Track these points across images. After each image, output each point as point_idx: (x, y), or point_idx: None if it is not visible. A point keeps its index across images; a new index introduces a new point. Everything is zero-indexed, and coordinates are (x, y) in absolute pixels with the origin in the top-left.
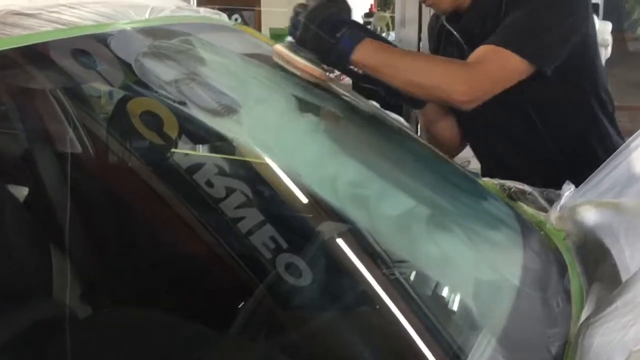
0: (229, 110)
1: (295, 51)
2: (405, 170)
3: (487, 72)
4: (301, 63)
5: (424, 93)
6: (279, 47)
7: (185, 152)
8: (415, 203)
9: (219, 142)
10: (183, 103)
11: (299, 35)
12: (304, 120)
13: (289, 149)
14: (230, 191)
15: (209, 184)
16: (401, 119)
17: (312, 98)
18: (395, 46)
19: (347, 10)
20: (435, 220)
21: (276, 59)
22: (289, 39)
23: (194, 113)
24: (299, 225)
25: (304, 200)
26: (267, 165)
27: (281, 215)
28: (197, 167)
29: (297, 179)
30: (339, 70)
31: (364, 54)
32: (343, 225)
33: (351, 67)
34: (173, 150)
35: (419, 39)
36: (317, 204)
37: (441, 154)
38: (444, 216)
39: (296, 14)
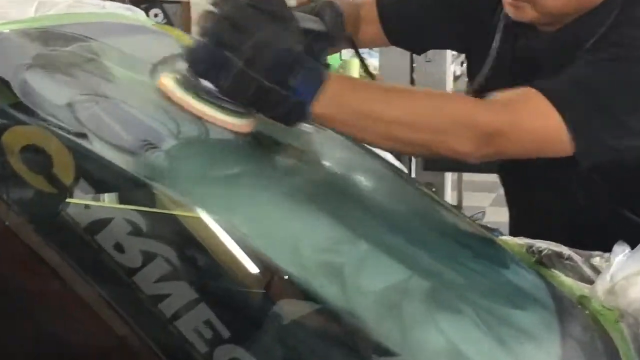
0: (147, 145)
1: (197, 93)
2: (395, 227)
3: (513, 129)
4: (211, 115)
5: (417, 149)
6: (167, 83)
7: (85, 202)
8: (410, 272)
9: (133, 190)
10: (82, 135)
11: (224, 81)
12: (254, 159)
13: (233, 198)
14: (148, 258)
15: (119, 248)
16: (389, 156)
17: (265, 127)
18: (372, 77)
19: (291, 19)
20: (437, 297)
21: (164, 95)
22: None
23: (97, 149)
24: (246, 305)
25: (254, 269)
26: (201, 221)
27: (221, 290)
28: (102, 224)
29: (243, 239)
30: (286, 124)
31: (328, 106)
32: (308, 305)
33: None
34: (67, 200)
35: (411, 63)
36: (273, 275)
37: (446, 202)
38: (450, 291)
39: (213, 19)
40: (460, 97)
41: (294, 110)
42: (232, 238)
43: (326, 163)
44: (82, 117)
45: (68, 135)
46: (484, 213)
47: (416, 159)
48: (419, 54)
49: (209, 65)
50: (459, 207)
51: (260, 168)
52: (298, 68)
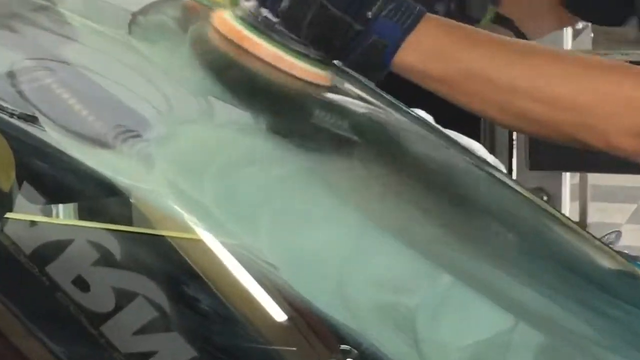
0: (124, 133)
1: (261, 31)
2: (492, 253)
3: None
4: (280, 56)
5: (552, 133)
6: (226, 18)
7: (32, 218)
8: (513, 320)
9: (102, 199)
10: (28, 118)
11: (285, 6)
12: (279, 157)
13: (250, 211)
14: (124, 299)
15: (81, 284)
16: (477, 146)
17: (297, 111)
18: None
19: None
20: (553, 356)
21: (216, 40)
22: (249, 3)
23: (50, 138)
24: None
25: (280, 316)
26: (202, 245)
27: (231, 347)
28: (55, 249)
29: (265, 272)
30: (369, 79)
31: (421, 55)
32: None
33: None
34: (5, 215)
35: None
36: (308, 325)
37: (564, 217)
38: (571, 347)
39: None
40: (622, 66)
41: (369, 55)
42: (249, 270)
43: (390, 161)
44: (28, 92)
45: (7, 119)
46: (619, 233)
47: (518, 155)
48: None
49: None
50: (582, 224)
51: (290, 168)
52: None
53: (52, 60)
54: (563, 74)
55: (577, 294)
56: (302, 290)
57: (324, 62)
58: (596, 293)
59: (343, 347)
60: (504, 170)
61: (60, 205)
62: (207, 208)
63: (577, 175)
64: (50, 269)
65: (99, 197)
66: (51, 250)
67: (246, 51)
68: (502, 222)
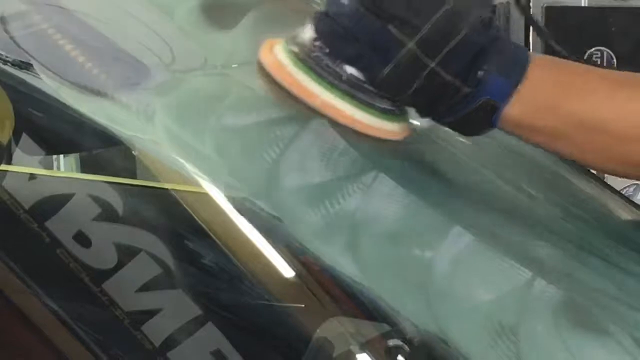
0: (127, 81)
1: (325, 78)
2: (506, 207)
3: None
4: (349, 113)
5: None
6: (279, 55)
7: (30, 171)
8: (530, 275)
9: (103, 150)
10: (24, 65)
11: (386, 72)
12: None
13: (252, 161)
14: (127, 255)
15: (82, 239)
16: None
17: None
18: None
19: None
20: (573, 313)
21: (263, 73)
22: (306, 36)
23: (47, 87)
24: (278, 325)
25: (288, 271)
26: (209, 198)
27: (239, 305)
28: (56, 204)
29: (272, 226)
30: (466, 136)
31: (529, 108)
32: (373, 327)
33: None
34: (2, 167)
35: None
36: (317, 279)
37: (583, 169)
38: (594, 303)
39: None
40: None
41: (476, 117)
42: (255, 224)
43: None
44: (23, 38)
45: (1, 66)
46: (638, 187)
47: None
48: None
49: (361, 41)
50: (600, 176)
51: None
52: (492, 53)
53: (47, 4)
54: None
55: (596, 249)
56: (310, 245)
57: (397, 115)
58: (616, 248)
59: (392, 342)
60: None
61: (62, 158)
62: (211, 160)
63: None
64: (50, 224)
65: (101, 149)
66: (51, 205)
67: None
68: (519, 176)
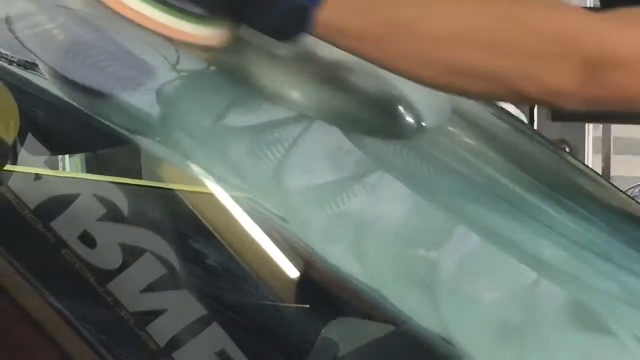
0: (133, 82)
1: None
2: (511, 208)
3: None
4: (156, 18)
5: (481, 85)
6: None
7: (36, 171)
8: (536, 276)
9: (109, 151)
10: (30, 66)
11: None
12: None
13: (258, 162)
14: (132, 256)
15: (87, 239)
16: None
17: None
18: None
19: None
20: (575, 313)
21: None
22: None
23: (53, 88)
24: (283, 325)
25: (293, 272)
26: (214, 199)
27: (244, 305)
28: (61, 204)
29: (278, 227)
30: (277, 39)
31: (340, 12)
32: (378, 327)
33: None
34: (7, 168)
35: None
36: (324, 280)
37: (587, 169)
38: (599, 304)
39: None
40: (557, 3)
41: (288, 19)
42: (260, 225)
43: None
44: (28, 38)
45: (7, 67)
46: None
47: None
48: None
49: None
50: (606, 177)
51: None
52: None
53: (52, 5)
54: (490, 10)
55: (602, 250)
56: (318, 247)
57: (214, 22)
58: (621, 249)
59: None
60: (526, 122)
61: (67, 158)
62: (216, 160)
63: (600, 127)
64: (56, 224)
65: (106, 149)
66: (57, 205)
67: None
68: (525, 176)
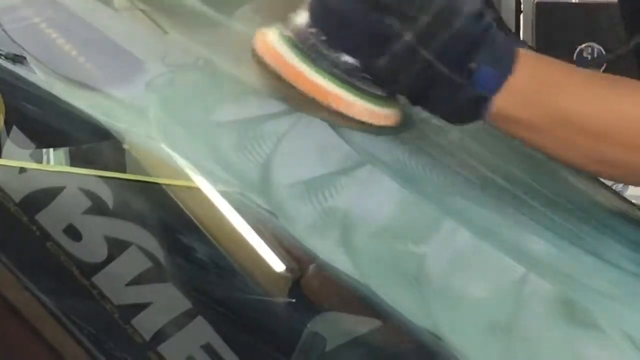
0: (119, 75)
1: (315, 62)
2: (501, 203)
3: None
4: (337, 94)
5: (625, 174)
6: (271, 37)
7: (20, 164)
8: (524, 271)
9: (94, 144)
10: (18, 59)
11: (383, 63)
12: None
13: (246, 157)
14: (117, 248)
15: (72, 233)
16: None
17: None
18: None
19: None
20: (564, 309)
21: (257, 60)
22: (301, 21)
23: (39, 79)
24: (268, 319)
25: (280, 266)
26: (199, 192)
27: (230, 298)
28: (46, 197)
29: (265, 220)
30: (452, 123)
31: (517, 103)
32: (365, 322)
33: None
34: None
35: None
36: (311, 272)
37: None
38: (589, 301)
39: None
40: None
41: (467, 107)
42: (247, 218)
43: None
44: (16, 31)
45: None
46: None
47: None
48: None
49: (357, 31)
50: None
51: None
52: (485, 46)
53: None
54: (632, 110)
55: (590, 245)
56: (304, 239)
57: (387, 100)
58: (609, 244)
59: None
60: None
61: (51, 151)
62: (204, 154)
63: None
64: (41, 217)
65: (92, 142)
66: (41, 198)
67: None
68: (513, 170)
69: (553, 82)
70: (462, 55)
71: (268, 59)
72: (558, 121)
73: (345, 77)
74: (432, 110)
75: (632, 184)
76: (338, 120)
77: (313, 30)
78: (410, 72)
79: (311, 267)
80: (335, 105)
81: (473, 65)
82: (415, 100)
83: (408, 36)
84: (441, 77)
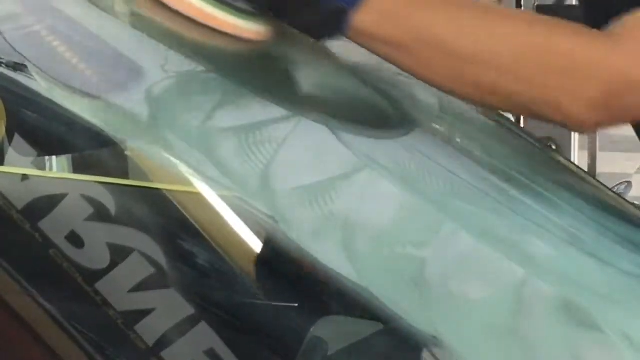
0: (119, 83)
1: None
2: (499, 205)
3: None
4: (209, 13)
5: (503, 103)
6: None
7: (23, 171)
8: (524, 274)
9: (96, 151)
10: (19, 67)
11: None
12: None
13: (247, 162)
14: (120, 255)
15: (74, 239)
16: None
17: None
18: None
19: None
20: (565, 312)
21: None
22: None
23: (41, 88)
24: (271, 324)
25: (281, 271)
26: (201, 198)
27: (231, 304)
28: (49, 204)
29: (266, 226)
30: (313, 37)
31: (376, 19)
32: (368, 326)
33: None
34: None
35: None
36: (313, 278)
37: (573, 166)
38: (588, 302)
39: None
40: (577, 28)
41: (326, 20)
42: (248, 224)
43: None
44: (16, 39)
45: None
46: (629, 184)
47: None
48: None
49: None
50: (592, 174)
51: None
52: None
53: (41, 6)
54: (518, 36)
55: (589, 246)
56: (304, 244)
57: (257, 17)
58: (608, 245)
59: None
60: (512, 119)
61: (54, 158)
62: (204, 160)
63: None
64: (43, 224)
65: (93, 149)
66: (44, 205)
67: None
68: (512, 172)
69: (417, 3)
70: None
71: None
72: (417, 39)
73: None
74: (293, 22)
75: (509, 111)
76: (205, 35)
77: None
78: None
79: None
80: (197, 18)
81: None
82: (276, 12)
83: None
84: None
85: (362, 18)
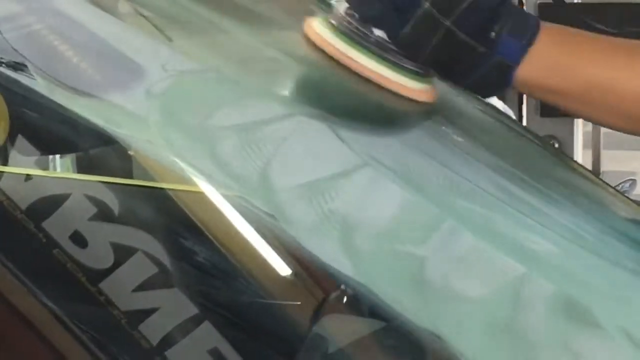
0: (123, 83)
1: (358, 42)
2: (499, 202)
3: None
4: (379, 72)
5: None
6: (315, 25)
7: (27, 171)
8: (524, 270)
9: (100, 151)
10: (19, 66)
11: (406, 31)
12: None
13: (248, 162)
14: (123, 254)
15: (78, 239)
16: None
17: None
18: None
19: None
20: (566, 310)
21: (306, 41)
22: (341, 9)
23: (44, 89)
24: (275, 323)
25: (284, 269)
26: (205, 197)
27: (236, 303)
28: (52, 204)
29: (268, 224)
30: (483, 97)
31: (540, 69)
32: (370, 324)
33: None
34: (1, 169)
35: None
36: (312, 277)
37: (576, 165)
38: (589, 299)
39: None
40: None
41: (494, 79)
42: (251, 222)
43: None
44: (16, 39)
45: None
46: (634, 182)
47: (528, 101)
48: None
49: (382, 6)
50: (596, 172)
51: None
52: (505, 14)
53: (41, 6)
54: None
55: (591, 244)
56: (305, 242)
57: (424, 76)
58: (610, 243)
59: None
60: (514, 117)
61: (57, 158)
62: (205, 159)
63: (590, 123)
64: (47, 224)
65: (96, 149)
66: (47, 205)
67: (337, 62)
68: (513, 169)
69: (576, 48)
70: (481, 24)
71: (312, 38)
72: (585, 85)
73: (378, 50)
74: (459, 81)
75: None
76: (379, 93)
77: (349, 10)
78: (432, 40)
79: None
80: (375, 79)
81: (493, 34)
82: (442, 72)
83: (426, 4)
84: (463, 45)
85: (528, 72)
